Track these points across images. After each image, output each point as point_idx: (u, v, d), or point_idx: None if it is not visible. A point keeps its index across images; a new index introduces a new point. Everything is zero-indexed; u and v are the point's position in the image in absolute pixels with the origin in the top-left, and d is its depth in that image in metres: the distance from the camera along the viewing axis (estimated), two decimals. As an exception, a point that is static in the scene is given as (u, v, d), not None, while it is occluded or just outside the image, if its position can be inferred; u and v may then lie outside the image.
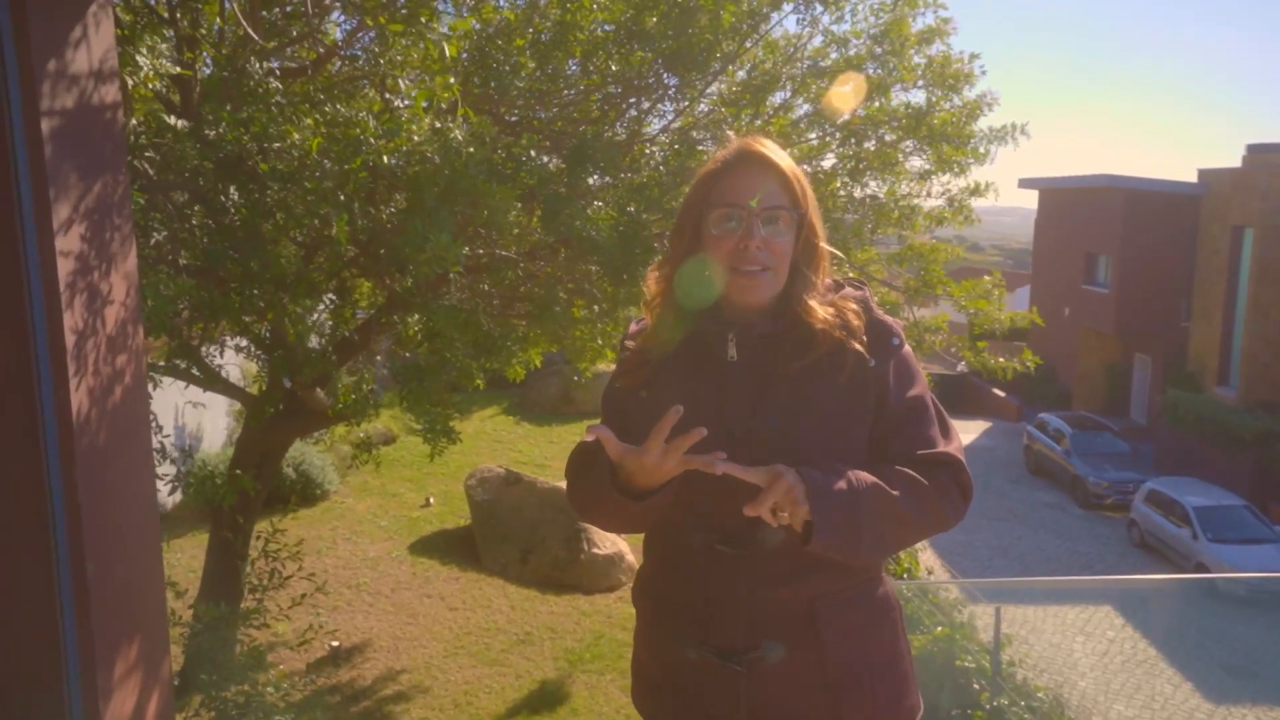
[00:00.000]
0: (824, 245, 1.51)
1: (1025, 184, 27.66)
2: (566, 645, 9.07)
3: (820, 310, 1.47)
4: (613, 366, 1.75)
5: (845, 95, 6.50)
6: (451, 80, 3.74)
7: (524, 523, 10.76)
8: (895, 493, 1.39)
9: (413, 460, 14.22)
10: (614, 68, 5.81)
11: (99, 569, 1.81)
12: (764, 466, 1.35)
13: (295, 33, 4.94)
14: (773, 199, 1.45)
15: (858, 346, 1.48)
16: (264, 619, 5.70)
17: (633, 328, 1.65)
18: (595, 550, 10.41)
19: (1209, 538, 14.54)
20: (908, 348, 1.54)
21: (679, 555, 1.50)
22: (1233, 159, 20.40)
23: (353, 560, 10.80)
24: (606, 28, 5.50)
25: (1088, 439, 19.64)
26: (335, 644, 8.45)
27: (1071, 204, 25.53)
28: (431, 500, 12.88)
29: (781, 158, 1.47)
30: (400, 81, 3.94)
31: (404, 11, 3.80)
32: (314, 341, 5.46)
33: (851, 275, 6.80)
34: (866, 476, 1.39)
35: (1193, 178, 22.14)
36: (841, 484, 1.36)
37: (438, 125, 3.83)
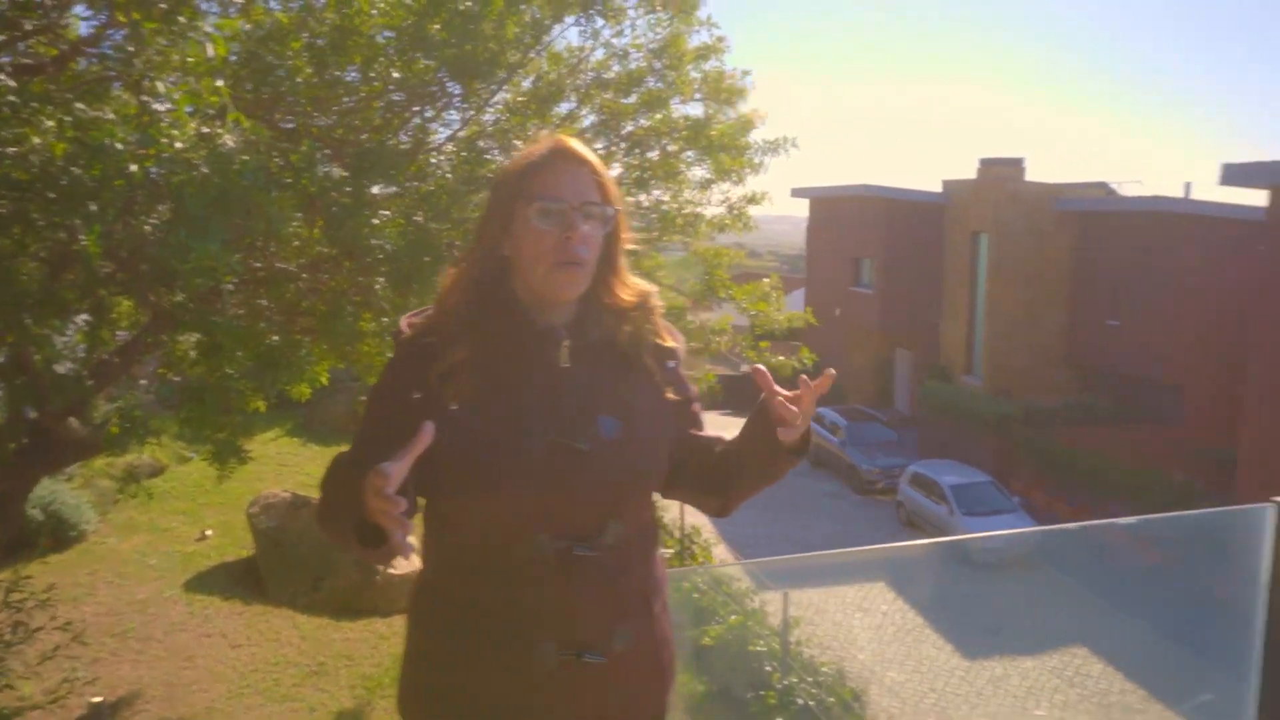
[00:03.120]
0: (628, 245, 1.55)
1: (797, 193, 29.49)
2: (364, 672, 8.72)
3: (632, 310, 1.52)
4: None
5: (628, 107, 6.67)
6: (219, 83, 3.50)
7: (314, 548, 10.22)
8: None
9: (186, 491, 13.15)
10: (396, 75, 5.66)
11: None
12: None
13: (30, 26, 4.46)
14: (591, 195, 1.47)
15: (668, 346, 1.55)
16: (5, 679, 5.06)
17: (406, 322, 1.54)
18: (391, 570, 10.07)
19: (962, 512, 16.15)
20: None
21: (526, 565, 1.45)
22: (971, 171, 22.69)
23: (117, 605, 9.82)
24: (387, 34, 5.35)
25: (860, 429, 21.23)
26: (97, 699, 7.63)
27: (838, 212, 27.48)
28: (209, 533, 11.94)
29: (593, 156, 1.51)
30: (159, 84, 3.65)
31: (162, 7, 3.52)
32: (64, 366, 4.93)
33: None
34: None
35: (939, 188, 24.46)
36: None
37: (205, 131, 3.59)
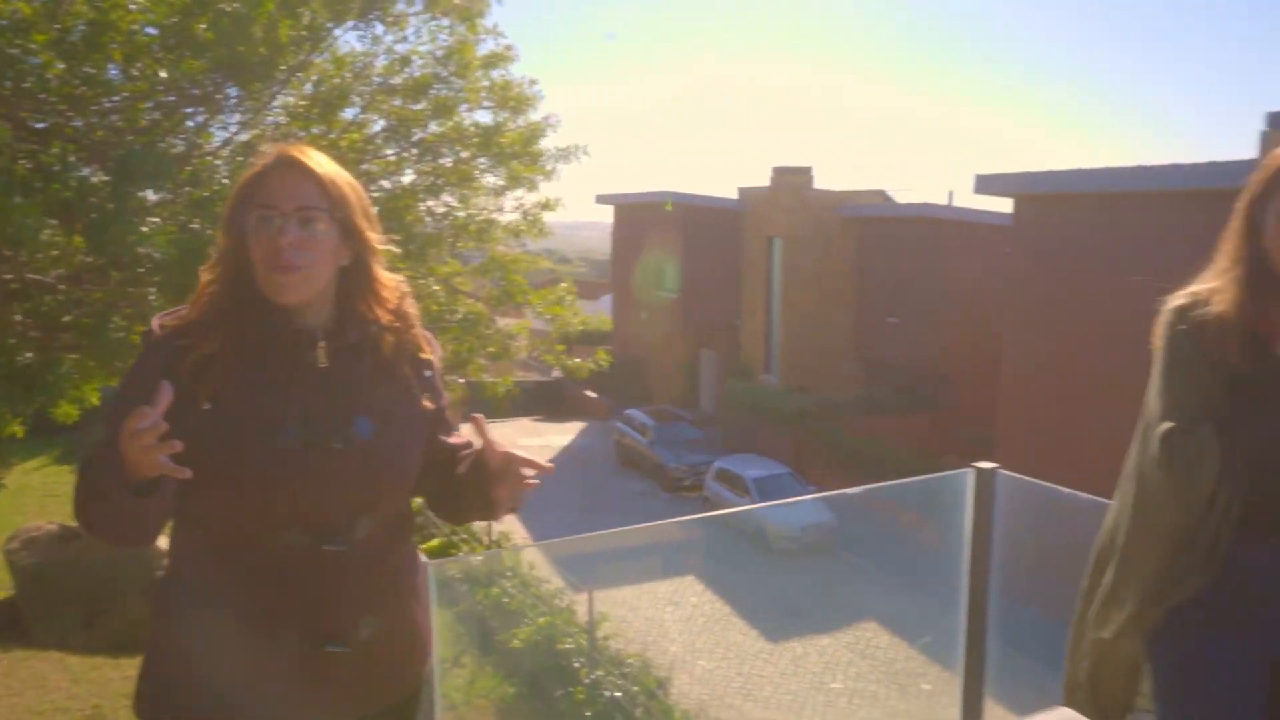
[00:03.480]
0: (379, 247, 1.57)
1: (602, 200, 29.99)
2: (149, 710, 8.11)
3: (391, 315, 1.56)
4: None
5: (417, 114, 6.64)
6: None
7: (88, 582, 9.41)
8: None
9: (-73, 530, 11.73)
10: (164, 74, 5.37)
11: None
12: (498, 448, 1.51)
13: None
14: (307, 200, 1.48)
15: (425, 357, 1.61)
16: None
17: (158, 323, 1.54)
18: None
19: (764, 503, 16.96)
20: None
21: (274, 560, 1.48)
22: (765, 178, 23.90)
23: None
24: (151, 31, 5.06)
25: (667, 429, 21.88)
26: None
27: (642, 218, 28.16)
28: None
29: (321, 164, 1.52)
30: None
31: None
32: None
33: (436, 288, 6.89)
34: None
35: (736, 195, 25.60)
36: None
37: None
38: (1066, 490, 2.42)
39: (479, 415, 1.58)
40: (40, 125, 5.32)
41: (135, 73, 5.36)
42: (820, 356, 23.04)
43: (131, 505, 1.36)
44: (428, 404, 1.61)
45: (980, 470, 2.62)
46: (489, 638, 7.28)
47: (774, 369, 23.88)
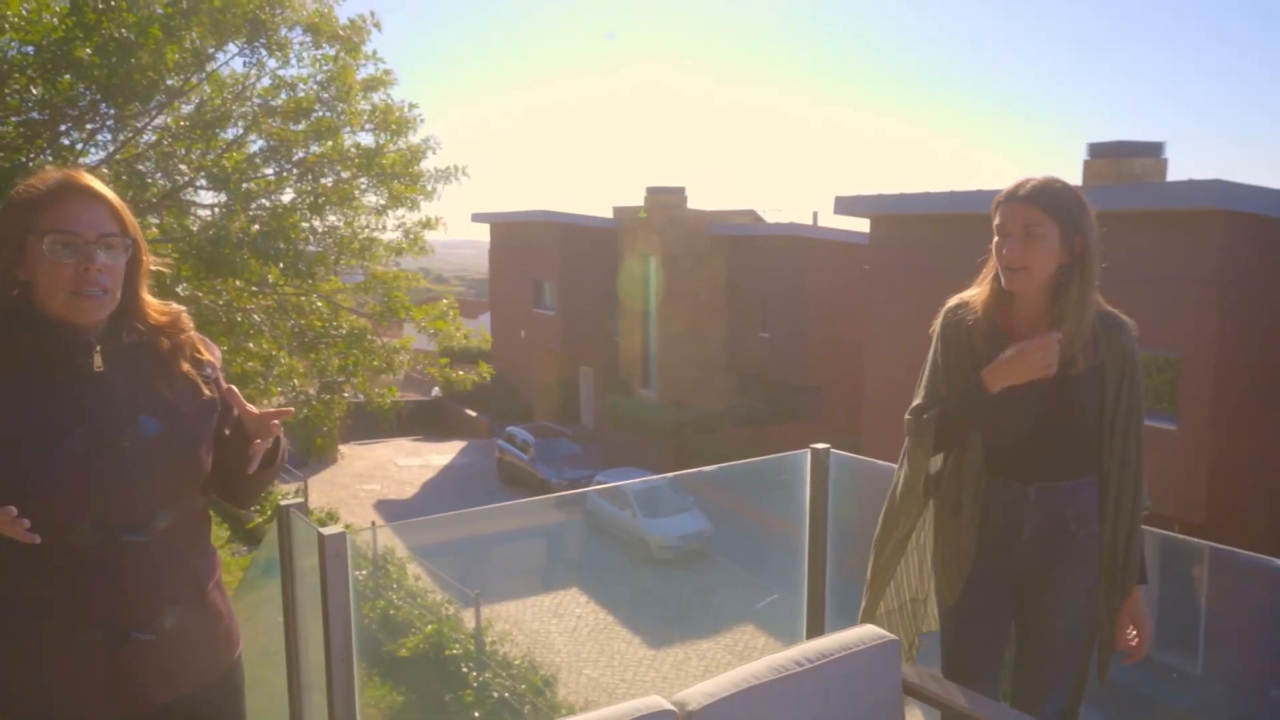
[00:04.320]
0: (149, 265, 1.68)
1: (478, 218, 29.99)
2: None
3: (161, 318, 1.67)
4: None
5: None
6: None
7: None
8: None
9: None
10: (36, 92, 5.37)
11: None
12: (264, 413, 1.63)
13: None
14: (109, 227, 1.56)
15: (205, 359, 1.72)
16: None
17: None
18: None
19: (644, 514, 17.40)
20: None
21: (71, 556, 1.53)
22: (639, 198, 24.53)
23: None
24: (26, 49, 5.07)
25: (548, 445, 22.10)
26: None
27: (518, 236, 28.32)
28: None
29: (108, 191, 1.60)
30: None
31: None
32: None
33: (319, 304, 7.04)
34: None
35: (611, 214, 26.11)
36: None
37: None
38: (886, 464, 2.88)
39: (231, 386, 1.70)
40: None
41: (6, 91, 5.34)
42: (695, 370, 23.72)
43: None
44: (208, 393, 1.69)
45: (815, 450, 3.07)
46: (377, 648, 7.38)
47: (652, 383, 24.44)
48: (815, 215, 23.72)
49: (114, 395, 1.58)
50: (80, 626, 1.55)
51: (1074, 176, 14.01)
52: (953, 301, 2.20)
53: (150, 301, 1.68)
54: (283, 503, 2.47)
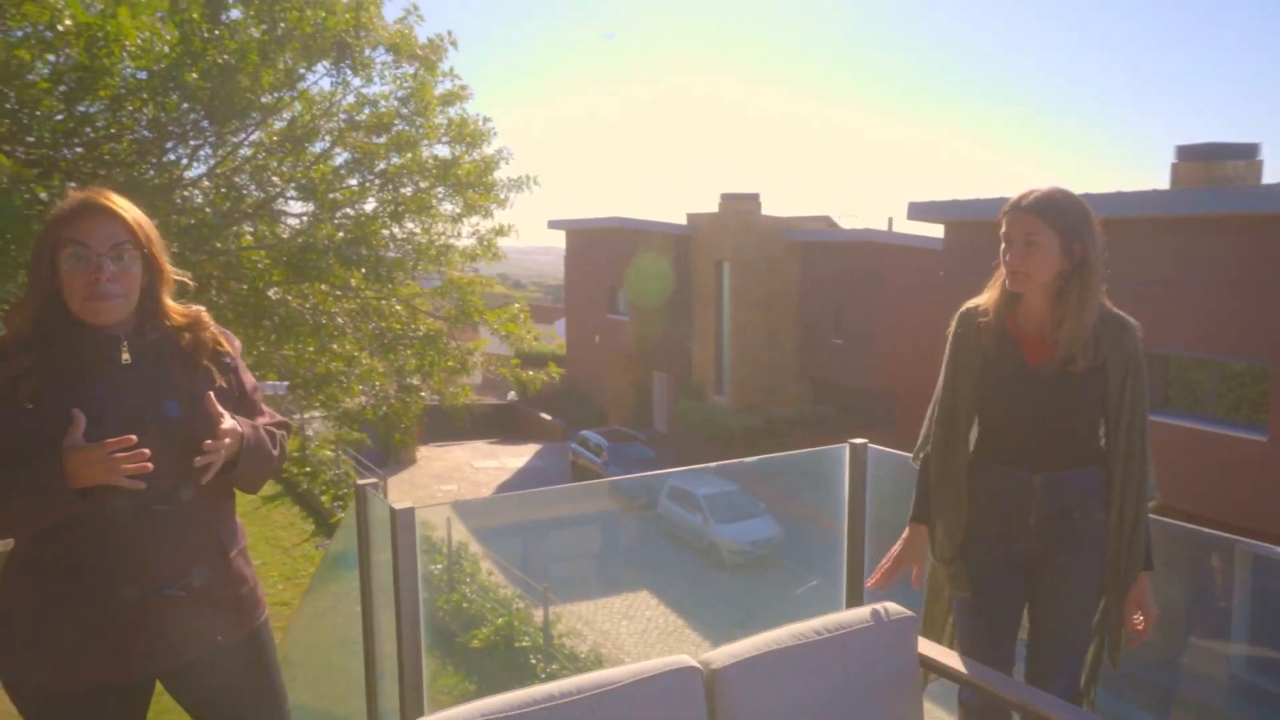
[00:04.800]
0: (170, 274, 1.88)
1: (554, 225, 30.53)
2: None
3: (181, 319, 1.89)
4: None
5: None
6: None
7: None
8: (275, 451, 1.99)
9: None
10: (148, 113, 5.86)
11: None
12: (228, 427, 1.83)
13: None
14: (118, 238, 1.78)
15: (224, 350, 1.94)
16: None
17: None
18: None
19: (715, 520, 17.50)
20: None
21: (108, 523, 1.75)
22: (713, 205, 24.66)
23: None
24: (140, 75, 5.55)
25: (621, 449, 22.41)
26: None
27: (593, 243, 28.73)
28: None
29: (125, 207, 1.81)
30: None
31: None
32: None
33: (398, 308, 7.44)
34: (259, 429, 1.95)
35: (684, 220, 26.30)
36: (251, 433, 1.91)
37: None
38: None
39: (209, 393, 1.86)
40: (32, 159, 5.76)
41: (122, 113, 5.83)
42: (768, 376, 23.70)
43: (67, 508, 1.67)
44: (223, 383, 1.91)
45: (853, 445, 3.22)
46: (450, 639, 7.72)
47: (725, 389, 24.51)
48: (890, 221, 23.55)
49: (141, 384, 1.81)
50: (119, 584, 1.77)
51: (1161, 181, 13.65)
52: (968, 305, 2.36)
53: (171, 305, 1.90)
54: (359, 482, 2.75)
